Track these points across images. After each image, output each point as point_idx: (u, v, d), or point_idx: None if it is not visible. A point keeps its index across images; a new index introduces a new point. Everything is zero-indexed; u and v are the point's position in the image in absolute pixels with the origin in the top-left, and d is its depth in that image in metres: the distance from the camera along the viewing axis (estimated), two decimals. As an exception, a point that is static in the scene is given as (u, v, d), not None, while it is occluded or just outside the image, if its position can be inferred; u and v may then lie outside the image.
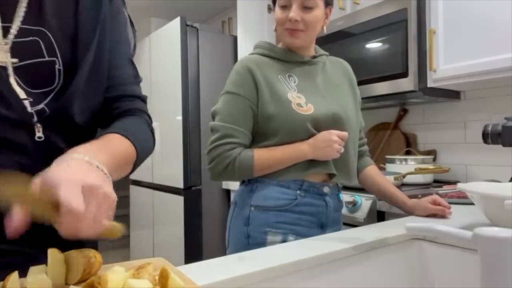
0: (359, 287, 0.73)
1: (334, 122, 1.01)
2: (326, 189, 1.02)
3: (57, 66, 0.59)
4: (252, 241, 0.97)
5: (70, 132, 0.62)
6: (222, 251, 2.55)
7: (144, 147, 0.66)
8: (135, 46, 0.77)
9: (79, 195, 0.42)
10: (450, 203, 1.29)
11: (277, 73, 1.03)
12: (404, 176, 1.63)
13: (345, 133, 1.00)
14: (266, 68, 1.03)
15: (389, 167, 1.84)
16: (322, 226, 1.03)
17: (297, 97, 1.00)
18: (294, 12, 0.99)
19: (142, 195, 2.96)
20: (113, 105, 0.69)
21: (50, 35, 0.59)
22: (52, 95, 0.59)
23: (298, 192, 0.99)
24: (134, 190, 3.12)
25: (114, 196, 0.47)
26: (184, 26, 2.42)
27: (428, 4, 1.62)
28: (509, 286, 0.44)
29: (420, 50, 1.62)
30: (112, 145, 0.59)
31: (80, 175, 0.44)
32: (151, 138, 0.72)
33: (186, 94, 2.44)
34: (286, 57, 1.06)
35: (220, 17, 3.17)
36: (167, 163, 2.59)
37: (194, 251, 2.44)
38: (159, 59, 2.70)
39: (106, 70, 0.67)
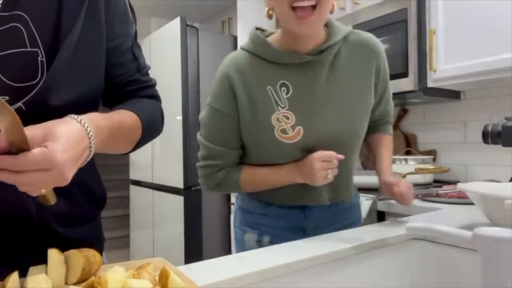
0: (359, 287, 0.73)
1: (332, 142, 0.85)
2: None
3: (39, 57, 0.52)
4: (236, 236, 1.00)
5: None
6: (222, 251, 2.55)
7: (150, 125, 0.66)
8: (136, 33, 0.70)
9: (41, 165, 0.42)
10: (450, 203, 1.29)
11: (266, 81, 0.84)
12: (404, 176, 1.63)
13: (331, 154, 0.81)
14: (252, 75, 0.84)
15: (389, 167, 1.84)
16: (304, 230, 0.93)
17: (284, 119, 0.83)
18: None
19: (142, 195, 2.96)
20: (128, 96, 0.68)
21: (28, 20, 0.51)
22: (34, 91, 0.52)
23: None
24: (134, 190, 3.11)
25: (66, 180, 0.45)
26: (184, 26, 2.42)
27: (428, 4, 1.62)
28: (509, 286, 0.44)
29: (420, 50, 1.62)
30: (117, 115, 0.57)
31: (65, 159, 0.43)
32: (160, 120, 0.72)
33: (186, 94, 2.44)
34: (281, 58, 0.83)
35: (220, 17, 3.17)
36: (167, 163, 2.59)
37: (194, 251, 2.44)
38: (159, 59, 2.70)
39: (99, 60, 0.60)
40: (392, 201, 1.37)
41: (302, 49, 0.83)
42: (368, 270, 0.75)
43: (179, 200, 2.46)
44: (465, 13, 1.51)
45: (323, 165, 0.80)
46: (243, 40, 2.48)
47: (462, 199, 1.25)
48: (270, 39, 0.88)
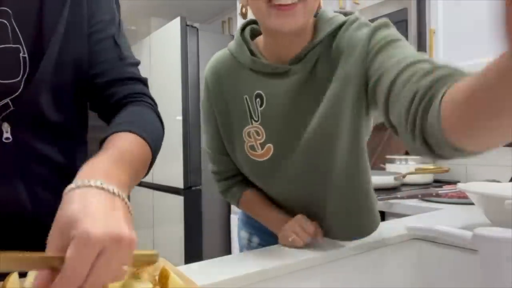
0: (359, 287, 0.73)
1: (309, 158, 0.72)
2: None
3: (21, 54, 0.51)
4: (238, 230, 1.01)
5: (43, 130, 0.55)
6: (222, 251, 2.55)
7: (157, 145, 0.58)
8: (120, 22, 0.65)
9: (89, 260, 0.32)
10: (450, 203, 1.29)
11: (244, 90, 0.74)
12: (404, 176, 1.63)
13: (309, 224, 0.71)
14: (230, 81, 0.75)
15: (389, 167, 1.84)
16: None
17: (254, 134, 0.74)
18: None
19: (142, 195, 2.96)
20: (107, 92, 0.60)
21: (11, 15, 0.51)
22: (21, 88, 0.51)
23: None
24: (134, 190, 3.09)
25: (134, 240, 0.37)
26: (184, 26, 2.42)
27: (428, 4, 1.62)
28: (509, 286, 0.44)
29: (420, 50, 1.62)
30: (131, 153, 0.48)
31: (101, 228, 0.33)
32: (160, 127, 0.64)
33: (186, 94, 2.44)
34: (256, 66, 0.72)
35: (220, 17, 3.17)
36: (167, 163, 2.59)
37: (194, 251, 2.44)
38: (159, 59, 2.70)
39: (84, 55, 0.58)
40: (392, 201, 1.37)
41: (287, 53, 0.70)
42: (368, 270, 0.75)
43: (179, 200, 2.46)
44: (465, 13, 1.51)
45: (293, 227, 0.72)
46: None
47: (462, 199, 1.25)
48: (259, 39, 0.76)
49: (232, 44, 0.77)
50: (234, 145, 0.77)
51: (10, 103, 0.51)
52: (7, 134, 0.51)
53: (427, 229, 0.82)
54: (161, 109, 0.72)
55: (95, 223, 0.33)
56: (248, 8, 0.71)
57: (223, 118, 0.77)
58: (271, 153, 0.73)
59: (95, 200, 0.35)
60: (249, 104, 0.74)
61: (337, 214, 0.75)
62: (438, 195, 1.34)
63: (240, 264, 0.65)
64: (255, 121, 0.74)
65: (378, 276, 0.77)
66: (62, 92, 0.56)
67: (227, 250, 2.55)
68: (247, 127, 0.74)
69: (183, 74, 2.42)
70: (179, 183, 2.46)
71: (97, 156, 0.43)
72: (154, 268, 0.52)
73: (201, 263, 0.66)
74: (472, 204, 0.93)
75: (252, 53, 0.74)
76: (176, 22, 2.44)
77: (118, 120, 0.55)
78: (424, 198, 1.37)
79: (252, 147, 0.74)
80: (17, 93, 0.51)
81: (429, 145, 0.49)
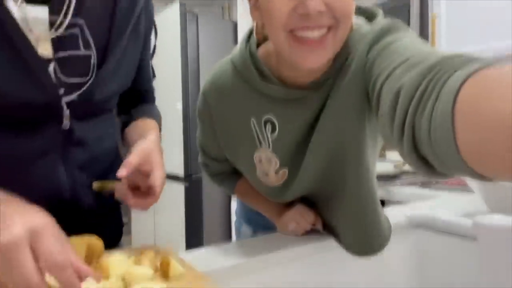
0: (358, 274, 0.74)
1: (322, 184, 0.68)
2: None
3: (92, 60, 0.60)
4: (235, 224, 0.99)
5: (91, 120, 0.65)
6: (223, 239, 2.58)
7: (161, 127, 0.80)
8: (155, 47, 0.79)
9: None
10: (450, 190, 1.29)
11: (250, 112, 0.65)
12: (404, 164, 1.63)
13: (309, 214, 0.72)
14: (234, 101, 0.66)
15: (389, 154, 1.84)
16: None
17: (266, 161, 0.67)
18: None
19: (143, 182, 2.97)
20: (139, 99, 0.81)
21: (87, 27, 0.60)
22: (85, 87, 0.60)
23: None
24: (134, 177, 3.13)
25: None
26: (184, 12, 2.39)
27: (431, -11, 1.60)
28: (508, 274, 0.44)
29: (423, 34, 1.60)
30: (156, 129, 0.74)
31: (162, 165, 0.67)
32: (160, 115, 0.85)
33: (186, 81, 2.43)
34: (267, 89, 0.62)
35: (219, 3, 3.13)
36: (167, 151, 2.59)
37: (195, 239, 2.46)
38: (158, 46, 2.67)
39: (136, 64, 0.71)
40: (392, 188, 1.37)
41: (306, 76, 0.60)
42: (368, 259, 0.76)
43: (180, 188, 2.47)
44: (469, -1, 1.48)
45: (294, 215, 0.72)
46: (243, 26, 2.45)
47: (462, 187, 1.25)
48: (269, 47, 0.64)
49: (236, 55, 0.65)
50: (241, 166, 0.73)
51: (75, 98, 0.60)
52: (66, 121, 0.59)
53: (427, 217, 0.82)
54: (161, 97, 0.79)
55: (162, 167, 0.67)
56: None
57: (227, 138, 0.70)
58: (285, 177, 0.68)
59: (157, 145, 0.66)
60: (257, 128, 0.66)
61: (338, 223, 0.71)
62: (438, 183, 1.34)
63: (241, 251, 0.65)
64: (266, 146, 0.66)
65: (377, 264, 0.77)
66: (112, 91, 0.66)
67: (228, 237, 2.57)
68: (256, 153, 0.68)
69: (183, 61, 2.40)
70: (180, 171, 2.46)
71: (148, 132, 0.69)
72: (155, 255, 0.52)
73: (202, 250, 0.67)
74: (472, 192, 0.93)
75: (259, 69, 0.62)
76: (175, 7, 2.41)
77: (141, 109, 0.78)
78: (424, 185, 1.37)
79: (265, 173, 0.69)
80: (84, 89, 0.60)
81: (425, 158, 0.38)
